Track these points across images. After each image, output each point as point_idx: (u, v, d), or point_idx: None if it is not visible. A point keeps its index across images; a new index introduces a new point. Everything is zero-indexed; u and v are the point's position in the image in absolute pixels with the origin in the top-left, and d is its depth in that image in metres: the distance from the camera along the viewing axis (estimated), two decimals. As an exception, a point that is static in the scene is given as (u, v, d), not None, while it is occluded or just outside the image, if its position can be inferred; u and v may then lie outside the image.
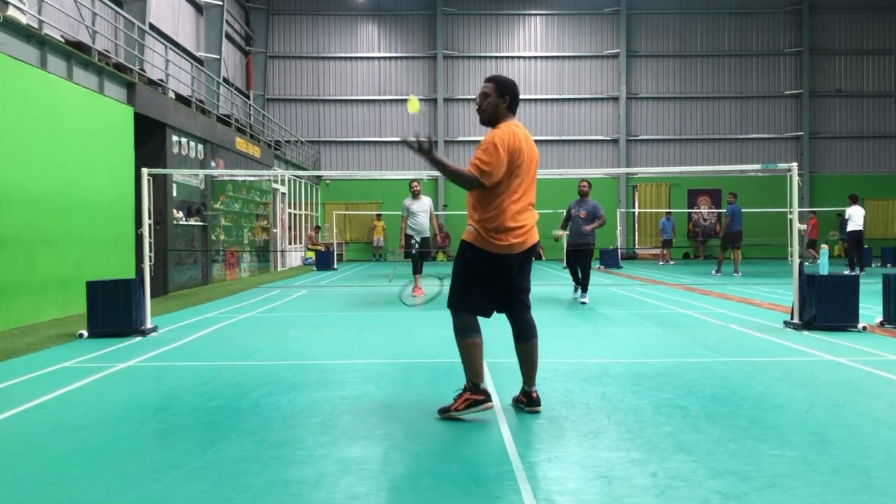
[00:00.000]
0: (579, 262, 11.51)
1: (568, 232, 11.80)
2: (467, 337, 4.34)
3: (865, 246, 24.64)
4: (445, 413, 4.36)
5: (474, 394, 4.33)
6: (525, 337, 4.48)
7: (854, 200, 18.26)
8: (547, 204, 27.69)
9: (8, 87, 8.92)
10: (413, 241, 12.36)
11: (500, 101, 4.39)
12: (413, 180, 12.66)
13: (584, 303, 11.10)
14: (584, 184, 11.53)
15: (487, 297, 4.38)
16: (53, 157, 9.94)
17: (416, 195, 12.44)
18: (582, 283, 11.36)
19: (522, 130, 4.41)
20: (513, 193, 4.32)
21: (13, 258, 8.91)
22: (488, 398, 4.36)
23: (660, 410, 4.48)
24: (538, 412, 4.45)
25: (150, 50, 16.14)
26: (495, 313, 4.51)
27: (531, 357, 4.47)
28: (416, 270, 12.42)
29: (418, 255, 12.40)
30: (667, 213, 26.74)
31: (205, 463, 3.55)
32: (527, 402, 4.49)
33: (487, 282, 4.36)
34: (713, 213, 30.16)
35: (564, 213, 11.72)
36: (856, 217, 17.93)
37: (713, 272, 18.39)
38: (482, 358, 4.38)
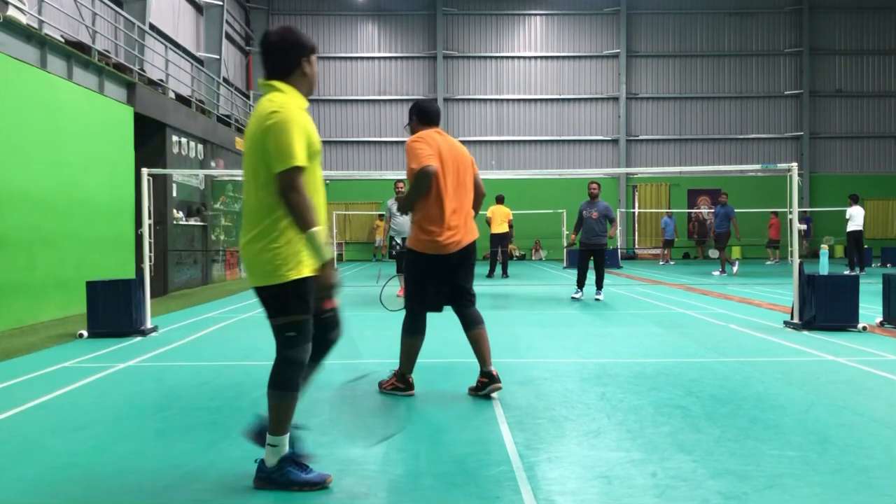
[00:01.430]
0: (594, 261, 11.73)
1: (580, 233, 11.89)
2: (410, 336, 4.86)
3: (866, 246, 24.68)
4: (380, 388, 4.99)
5: (400, 381, 4.93)
6: (472, 326, 4.85)
7: (855, 200, 18.26)
8: (548, 204, 27.85)
9: (8, 87, 8.92)
10: (395, 243, 12.37)
11: (413, 122, 4.88)
12: (398, 181, 12.56)
13: (598, 300, 11.47)
14: (594, 185, 11.73)
15: (429, 294, 4.79)
16: (53, 157, 9.94)
17: (399, 196, 12.41)
18: (597, 281, 11.69)
19: (443, 137, 4.80)
20: (437, 195, 4.63)
21: (13, 258, 8.91)
22: (409, 388, 4.92)
23: (660, 410, 4.48)
24: (500, 388, 4.83)
25: (150, 50, 16.13)
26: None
27: (481, 342, 4.83)
28: (400, 270, 12.49)
29: (400, 256, 12.41)
30: (668, 212, 26.72)
31: (205, 463, 3.55)
32: (488, 381, 4.82)
33: (424, 281, 4.77)
34: (713, 212, 30.13)
35: (577, 217, 11.81)
36: (856, 217, 17.92)
37: (719, 273, 18.37)
38: (416, 355, 4.90)
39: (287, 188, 2.97)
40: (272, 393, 3.16)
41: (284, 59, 3.16)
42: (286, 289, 3.08)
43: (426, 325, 4.90)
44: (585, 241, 11.67)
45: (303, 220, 2.97)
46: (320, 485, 3.18)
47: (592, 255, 11.71)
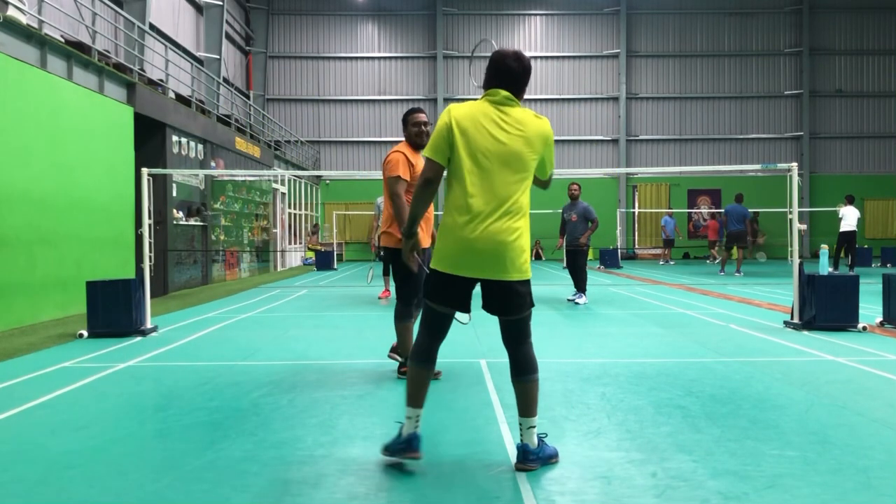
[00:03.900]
0: (571, 263, 11.52)
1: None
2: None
3: (866, 246, 24.68)
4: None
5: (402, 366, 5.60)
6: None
7: (850, 201, 18.27)
8: (548, 204, 27.69)
9: (8, 87, 8.92)
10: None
11: None
12: None
13: (577, 303, 11.02)
14: (575, 187, 11.54)
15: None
16: (53, 157, 9.94)
17: None
18: (576, 283, 11.29)
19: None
20: None
21: (13, 258, 8.91)
22: (400, 365, 5.58)
23: (660, 410, 4.48)
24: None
25: (150, 50, 16.14)
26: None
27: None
28: (386, 272, 12.35)
29: (389, 257, 12.15)
30: (669, 212, 26.68)
31: (205, 463, 3.55)
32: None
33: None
34: (713, 213, 30.14)
35: (560, 221, 11.72)
36: (848, 217, 17.92)
37: (718, 272, 18.40)
38: (410, 339, 5.38)
39: (550, 183, 3.67)
40: (534, 377, 3.46)
41: (527, 82, 3.53)
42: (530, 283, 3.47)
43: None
44: (567, 244, 11.48)
45: None
46: (557, 457, 3.53)
47: (574, 256, 11.43)
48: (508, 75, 3.46)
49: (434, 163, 3.38)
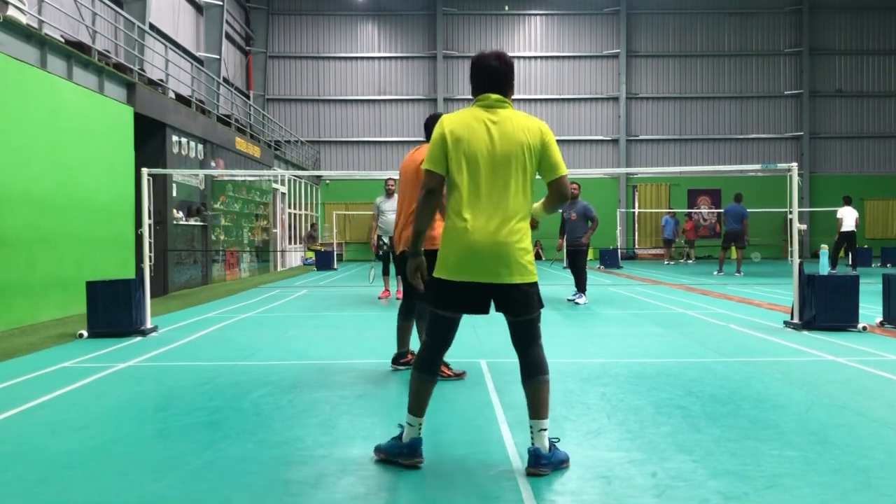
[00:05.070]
0: (572, 262, 11.53)
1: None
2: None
3: (866, 246, 24.70)
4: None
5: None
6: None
7: (847, 202, 18.56)
8: (547, 204, 27.81)
9: (8, 87, 8.92)
10: (382, 242, 11.93)
11: None
12: (389, 178, 12.09)
13: (577, 303, 11.03)
14: (574, 186, 11.46)
15: None
16: (53, 157, 9.94)
17: (389, 194, 11.87)
18: (576, 283, 11.32)
19: (412, 153, 5.60)
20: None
21: (13, 258, 8.91)
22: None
23: (660, 410, 4.48)
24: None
25: (150, 50, 16.13)
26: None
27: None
28: (385, 271, 12.32)
29: (387, 256, 12.14)
30: (670, 211, 26.65)
31: (205, 463, 3.55)
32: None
33: None
34: (713, 212, 30.14)
35: (560, 221, 11.71)
36: (848, 218, 18.16)
37: (717, 272, 18.42)
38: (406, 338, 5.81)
39: (568, 187, 3.51)
40: (545, 378, 3.41)
41: (512, 79, 3.63)
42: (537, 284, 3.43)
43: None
44: (568, 243, 11.48)
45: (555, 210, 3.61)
46: (568, 462, 3.44)
47: (574, 255, 11.43)
48: (492, 76, 3.51)
49: (433, 174, 3.37)
